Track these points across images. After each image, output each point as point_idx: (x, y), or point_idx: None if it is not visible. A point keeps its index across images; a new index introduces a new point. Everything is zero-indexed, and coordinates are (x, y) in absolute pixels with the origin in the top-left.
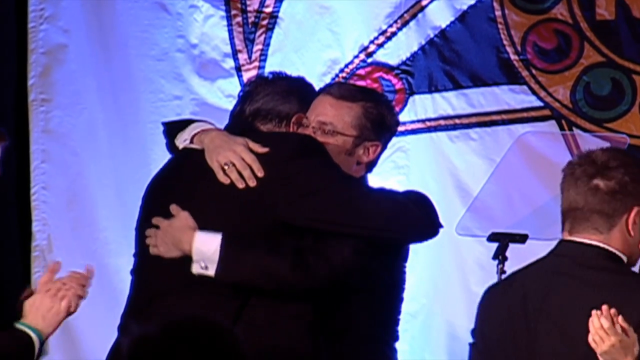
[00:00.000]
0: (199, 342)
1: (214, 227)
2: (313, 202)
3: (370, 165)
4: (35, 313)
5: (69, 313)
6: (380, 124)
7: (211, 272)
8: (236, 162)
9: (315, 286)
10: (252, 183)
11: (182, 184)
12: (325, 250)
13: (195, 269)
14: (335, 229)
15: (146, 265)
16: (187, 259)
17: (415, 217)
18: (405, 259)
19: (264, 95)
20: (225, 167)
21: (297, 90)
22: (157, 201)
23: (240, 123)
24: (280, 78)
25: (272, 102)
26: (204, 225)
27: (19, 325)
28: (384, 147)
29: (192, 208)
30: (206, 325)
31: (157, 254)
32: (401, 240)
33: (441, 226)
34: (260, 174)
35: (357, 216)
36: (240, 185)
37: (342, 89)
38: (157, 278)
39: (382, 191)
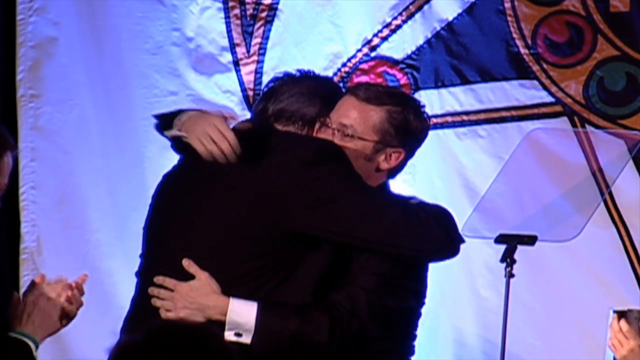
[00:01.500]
0: (184, 350)
1: (226, 230)
2: (329, 211)
3: (393, 173)
4: (28, 320)
5: (65, 324)
6: (404, 130)
7: (246, 340)
8: (212, 134)
9: (348, 341)
10: (232, 157)
11: (193, 184)
12: (355, 303)
13: (228, 336)
14: (348, 241)
15: (153, 268)
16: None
17: (434, 234)
18: (427, 269)
19: (289, 96)
20: (203, 139)
21: (324, 93)
22: (167, 202)
23: (261, 122)
24: (307, 77)
25: (297, 104)
26: (215, 229)
27: (17, 336)
28: (408, 155)
29: (204, 210)
30: (193, 332)
31: (172, 318)
32: (417, 257)
33: (462, 242)
34: (237, 149)
35: (371, 230)
36: (222, 160)
37: (369, 90)
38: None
39: (402, 204)
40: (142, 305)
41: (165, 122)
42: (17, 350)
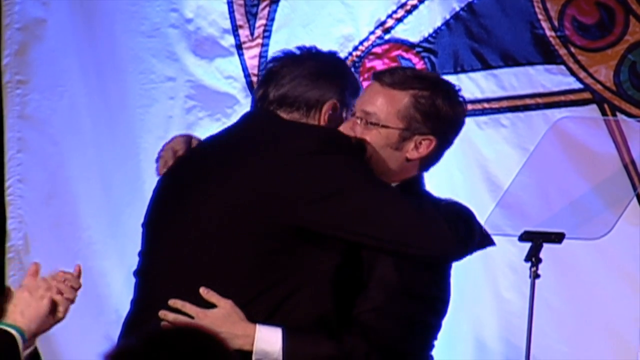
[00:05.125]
0: (184, 354)
1: (229, 225)
2: (333, 205)
3: (426, 164)
4: (13, 310)
5: (57, 319)
6: (433, 116)
7: None
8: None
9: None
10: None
11: (195, 179)
12: (380, 321)
13: None
14: (350, 237)
15: (154, 267)
16: (198, 264)
17: (443, 233)
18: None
19: (290, 79)
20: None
21: (328, 73)
22: (169, 196)
23: (263, 110)
24: (309, 56)
25: (299, 88)
26: (218, 224)
27: (2, 326)
28: (443, 143)
29: (205, 208)
30: (193, 335)
31: None
32: (420, 257)
33: (474, 247)
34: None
35: (374, 226)
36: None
37: (395, 75)
38: (166, 282)
39: (412, 200)
40: (143, 307)
41: None
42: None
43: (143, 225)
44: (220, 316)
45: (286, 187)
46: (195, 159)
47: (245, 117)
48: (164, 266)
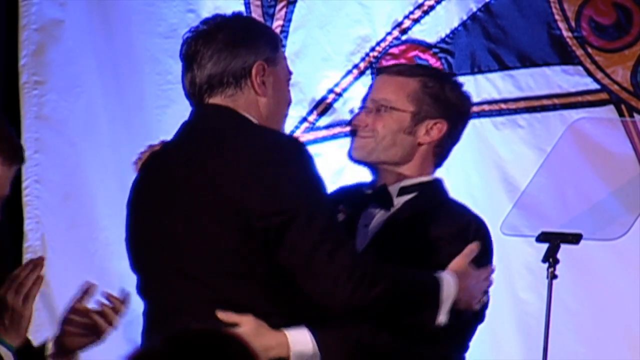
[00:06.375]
0: (204, 356)
1: (204, 233)
2: (278, 223)
3: (439, 153)
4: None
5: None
6: (442, 100)
7: None
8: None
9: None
10: None
11: (162, 192)
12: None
13: None
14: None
15: (155, 281)
16: (199, 273)
17: (341, 280)
18: None
19: (209, 58)
20: None
21: (242, 38)
22: (143, 212)
23: (199, 99)
24: (218, 28)
25: (221, 62)
26: (192, 233)
27: None
28: (452, 130)
29: (178, 214)
30: (213, 337)
31: None
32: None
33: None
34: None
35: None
36: None
37: (400, 66)
38: (172, 294)
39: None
40: (154, 320)
41: None
42: None
43: (126, 240)
44: (249, 332)
45: (250, 196)
46: (161, 170)
47: (191, 121)
48: (165, 281)
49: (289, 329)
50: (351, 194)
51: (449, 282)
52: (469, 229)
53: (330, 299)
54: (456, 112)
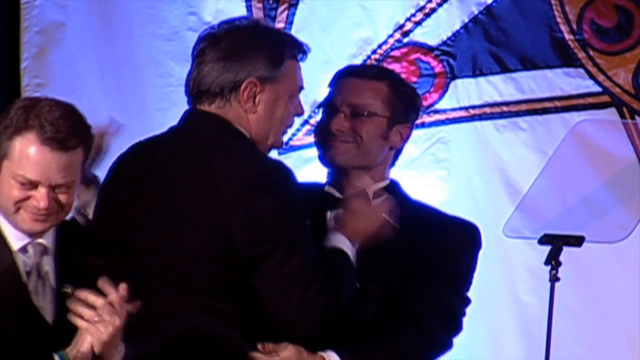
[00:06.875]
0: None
1: (181, 245)
2: (260, 252)
3: (396, 155)
4: None
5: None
6: (410, 104)
7: None
8: None
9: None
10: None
11: (146, 194)
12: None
13: None
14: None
15: (141, 290)
16: (184, 279)
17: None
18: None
19: (206, 64)
20: None
21: (240, 51)
22: (122, 211)
23: (193, 101)
24: (226, 34)
25: (213, 73)
26: (171, 242)
27: None
28: (411, 133)
29: (160, 222)
30: (212, 339)
31: None
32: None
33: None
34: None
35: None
36: None
37: (363, 67)
38: (161, 300)
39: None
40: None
41: None
42: None
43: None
44: (292, 357)
45: (231, 222)
46: (140, 175)
47: (180, 126)
48: (150, 288)
49: (325, 351)
50: (313, 196)
51: (344, 242)
52: (446, 226)
53: (298, 329)
54: (416, 115)
